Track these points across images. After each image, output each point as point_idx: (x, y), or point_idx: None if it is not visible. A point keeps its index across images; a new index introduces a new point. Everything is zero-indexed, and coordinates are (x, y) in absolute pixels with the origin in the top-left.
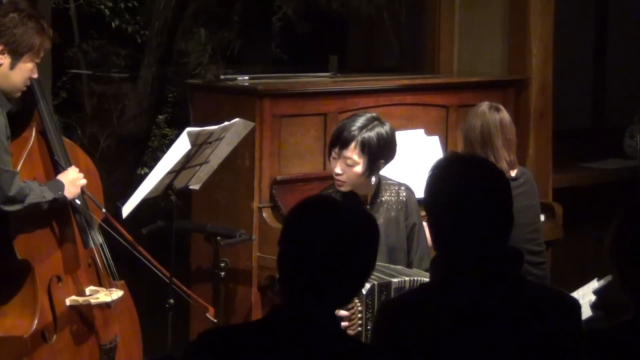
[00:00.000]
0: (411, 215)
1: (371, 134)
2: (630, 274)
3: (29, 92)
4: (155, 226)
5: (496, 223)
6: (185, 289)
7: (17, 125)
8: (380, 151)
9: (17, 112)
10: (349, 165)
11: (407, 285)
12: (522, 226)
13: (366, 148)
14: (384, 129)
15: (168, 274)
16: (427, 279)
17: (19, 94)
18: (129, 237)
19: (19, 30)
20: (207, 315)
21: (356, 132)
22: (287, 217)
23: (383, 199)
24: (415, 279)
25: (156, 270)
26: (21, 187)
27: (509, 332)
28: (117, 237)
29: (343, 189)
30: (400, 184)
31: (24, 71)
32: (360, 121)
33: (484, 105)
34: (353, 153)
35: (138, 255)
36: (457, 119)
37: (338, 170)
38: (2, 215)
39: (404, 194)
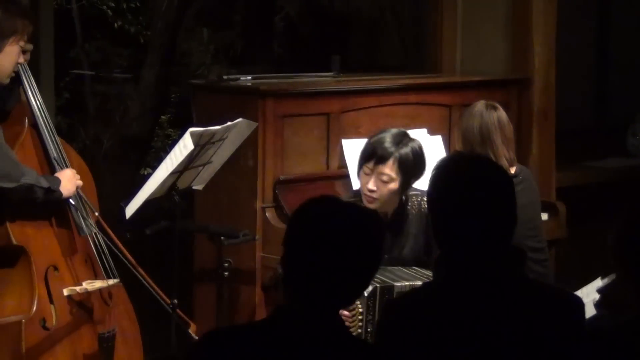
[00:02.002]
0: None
1: (407, 150)
2: (634, 272)
3: (15, 79)
4: (159, 226)
5: (499, 222)
6: (148, 279)
7: (9, 119)
8: (414, 169)
9: (5, 105)
10: (384, 182)
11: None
12: (522, 223)
13: (403, 165)
14: (417, 145)
15: (142, 273)
16: (419, 282)
17: (7, 80)
18: (116, 240)
19: (1, 14)
20: (189, 331)
21: (393, 149)
22: (291, 218)
23: (405, 211)
24: (418, 283)
25: (134, 270)
26: (17, 163)
27: (513, 331)
28: (108, 242)
29: (373, 205)
30: (423, 194)
31: (11, 55)
32: (393, 137)
33: (480, 105)
34: (391, 170)
35: (124, 259)
36: (460, 118)
37: (371, 186)
38: None
39: (426, 206)
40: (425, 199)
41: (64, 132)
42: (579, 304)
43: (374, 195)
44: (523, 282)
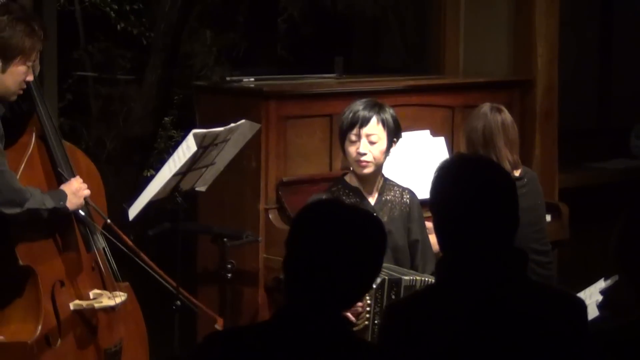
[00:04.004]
0: (413, 225)
1: (384, 110)
2: (636, 274)
3: (27, 97)
4: (162, 228)
5: (502, 224)
6: (192, 299)
7: (16, 130)
8: (395, 128)
9: (15, 117)
10: (373, 142)
11: (418, 285)
12: (526, 226)
13: (386, 123)
14: (391, 109)
15: (174, 284)
16: (430, 279)
17: (14, 98)
18: (132, 246)
19: (7, 33)
20: (216, 326)
21: (372, 111)
22: (294, 219)
23: (388, 197)
24: (426, 279)
25: (160, 279)
26: (21, 189)
27: (515, 333)
28: (121, 246)
29: (367, 170)
30: (404, 188)
31: (17, 75)
32: (366, 103)
33: (486, 107)
34: (377, 129)
35: (143, 265)
36: (463, 119)
37: (362, 149)
38: (3, 221)
39: (408, 196)
40: (405, 192)
41: (67, 134)
42: (582, 305)
43: (367, 158)
44: (525, 283)
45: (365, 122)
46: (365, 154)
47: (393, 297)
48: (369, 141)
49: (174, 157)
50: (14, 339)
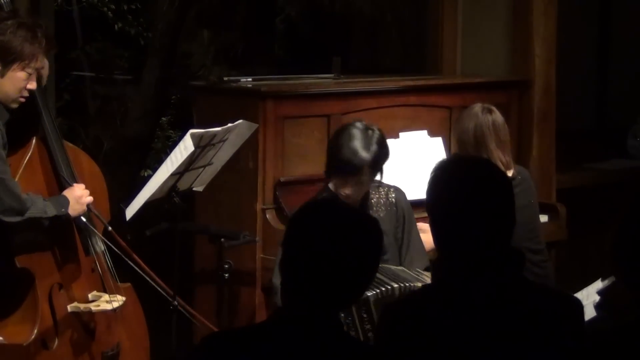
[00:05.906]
0: (401, 217)
1: (374, 149)
2: (633, 274)
3: (29, 101)
4: (159, 228)
5: (498, 224)
6: (189, 309)
7: (18, 133)
8: (382, 158)
9: (16, 120)
10: (360, 184)
11: (397, 292)
12: (520, 225)
13: (375, 164)
14: (378, 135)
15: (171, 292)
16: (420, 283)
17: (15, 105)
18: (131, 252)
19: (7, 37)
20: None
21: (364, 155)
22: (290, 220)
23: (373, 200)
24: (405, 285)
25: (157, 287)
26: (22, 197)
27: (512, 333)
28: (121, 254)
29: (351, 202)
30: (389, 186)
31: (15, 80)
32: (359, 140)
33: (476, 107)
34: (366, 174)
35: (141, 272)
36: (457, 120)
37: (348, 192)
38: (2, 225)
39: (393, 195)
40: (391, 191)
41: (64, 133)
42: (578, 305)
43: (351, 198)
44: (522, 284)
45: (355, 172)
46: (351, 195)
47: (364, 315)
48: (358, 185)
49: (171, 157)
50: (10, 341)
